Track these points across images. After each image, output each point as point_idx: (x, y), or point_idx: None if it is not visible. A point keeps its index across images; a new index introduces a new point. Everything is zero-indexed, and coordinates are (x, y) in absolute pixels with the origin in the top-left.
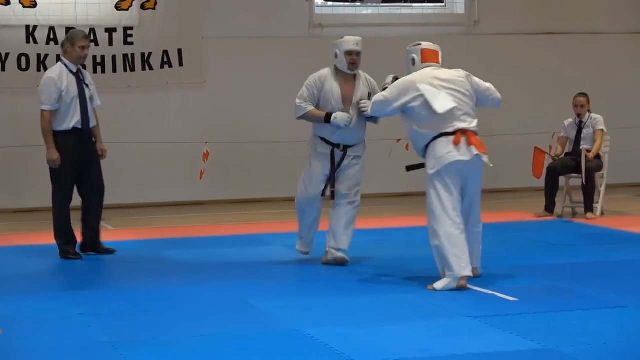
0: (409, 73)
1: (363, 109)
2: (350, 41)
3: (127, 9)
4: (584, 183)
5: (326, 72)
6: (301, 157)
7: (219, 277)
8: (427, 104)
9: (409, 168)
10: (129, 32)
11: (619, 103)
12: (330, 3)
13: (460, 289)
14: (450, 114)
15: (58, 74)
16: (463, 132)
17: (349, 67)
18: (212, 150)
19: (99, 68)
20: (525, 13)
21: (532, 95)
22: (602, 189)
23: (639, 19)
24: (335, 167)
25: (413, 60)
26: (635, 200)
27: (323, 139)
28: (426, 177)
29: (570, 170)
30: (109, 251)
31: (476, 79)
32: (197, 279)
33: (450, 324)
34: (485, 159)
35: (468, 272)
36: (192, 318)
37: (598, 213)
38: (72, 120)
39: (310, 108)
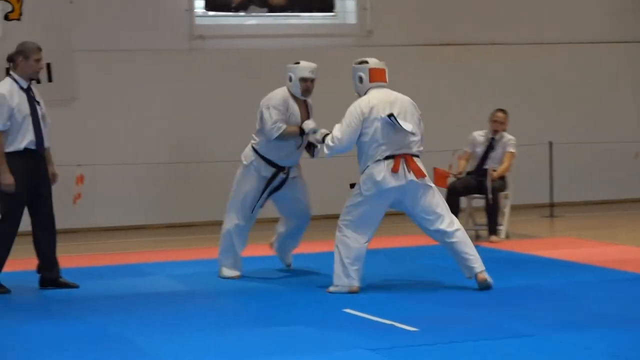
0: (357, 91)
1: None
2: (306, 68)
3: None
4: (490, 203)
5: (284, 93)
6: (180, 180)
7: (93, 311)
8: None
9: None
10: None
11: (523, 119)
12: (211, 13)
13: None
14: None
15: (8, 90)
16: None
17: (303, 94)
18: (87, 174)
19: None
20: (421, 23)
21: (431, 110)
22: (507, 210)
23: (540, 28)
24: (270, 189)
25: (360, 78)
26: (541, 222)
27: (270, 162)
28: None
29: (472, 190)
30: (71, 285)
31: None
32: (70, 313)
33: (345, 357)
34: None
35: None
36: (60, 356)
37: (502, 236)
38: (24, 140)
39: (285, 126)
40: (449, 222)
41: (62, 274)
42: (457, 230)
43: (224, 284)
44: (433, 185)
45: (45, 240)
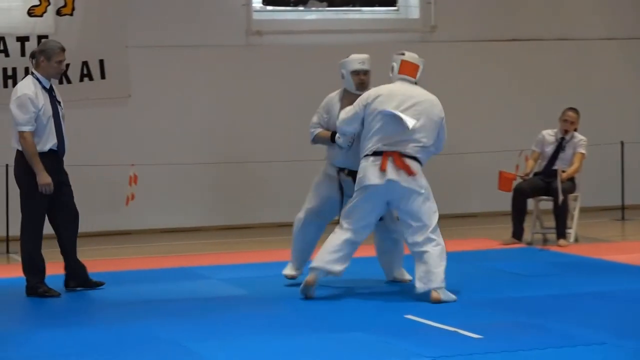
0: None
1: None
2: (356, 60)
3: (41, 15)
4: (559, 205)
5: (332, 95)
6: (236, 181)
7: (145, 314)
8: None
9: None
10: (43, 40)
11: (593, 117)
12: (269, 8)
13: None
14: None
15: (33, 90)
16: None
17: (358, 88)
18: (140, 174)
19: (9, 82)
20: (486, 18)
21: (495, 109)
22: (576, 213)
23: (612, 24)
24: (342, 193)
25: (392, 68)
26: (612, 225)
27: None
28: None
29: (539, 191)
30: (98, 284)
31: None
32: (122, 317)
33: None
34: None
35: None
36: None
37: (572, 239)
38: (48, 142)
39: (318, 131)
40: (430, 234)
41: (114, 277)
42: (435, 243)
43: (282, 289)
44: (423, 191)
45: (68, 241)
